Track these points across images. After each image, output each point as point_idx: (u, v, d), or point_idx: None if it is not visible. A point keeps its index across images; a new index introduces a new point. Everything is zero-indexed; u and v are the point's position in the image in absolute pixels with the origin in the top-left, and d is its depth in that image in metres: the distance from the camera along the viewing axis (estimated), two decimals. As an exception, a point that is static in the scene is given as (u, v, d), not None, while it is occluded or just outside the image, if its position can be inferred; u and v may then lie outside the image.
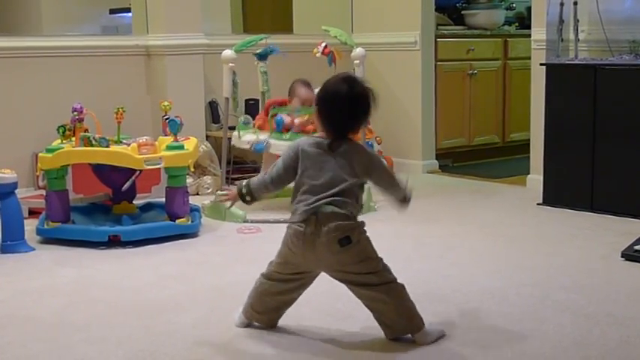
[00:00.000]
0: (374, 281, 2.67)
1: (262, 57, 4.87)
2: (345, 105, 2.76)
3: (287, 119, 4.62)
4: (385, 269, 2.70)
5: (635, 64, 4.52)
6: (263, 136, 4.61)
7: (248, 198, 2.86)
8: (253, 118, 5.03)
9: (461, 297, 3.16)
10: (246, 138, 4.63)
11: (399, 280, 2.71)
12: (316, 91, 4.79)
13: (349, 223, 2.66)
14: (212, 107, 5.86)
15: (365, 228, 2.71)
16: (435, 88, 6.20)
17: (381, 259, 2.71)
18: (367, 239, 2.71)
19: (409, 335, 2.70)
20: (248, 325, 2.84)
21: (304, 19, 6.52)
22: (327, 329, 2.83)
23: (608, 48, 4.78)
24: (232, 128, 4.93)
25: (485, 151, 6.72)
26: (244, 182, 2.85)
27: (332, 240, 2.63)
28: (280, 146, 4.57)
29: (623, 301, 3.10)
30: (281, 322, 2.87)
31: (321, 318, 2.94)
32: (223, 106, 4.78)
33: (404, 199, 2.77)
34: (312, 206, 2.66)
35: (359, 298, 2.73)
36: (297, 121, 4.62)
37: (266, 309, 2.82)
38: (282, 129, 4.61)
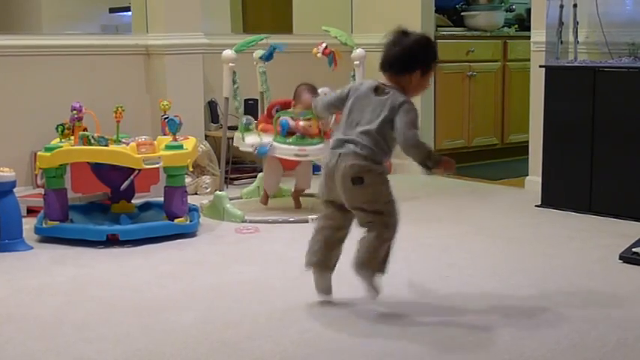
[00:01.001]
0: (372, 219, 2.91)
1: (267, 58, 4.85)
2: (390, 49, 3.03)
3: (292, 123, 4.60)
4: (388, 219, 2.92)
5: (634, 66, 4.52)
6: (266, 138, 4.59)
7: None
8: (254, 118, 5.03)
9: (458, 298, 3.16)
10: (249, 141, 4.61)
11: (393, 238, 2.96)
12: (322, 92, 4.81)
13: (364, 165, 2.88)
14: (211, 107, 5.86)
15: (383, 173, 2.92)
16: (434, 90, 6.20)
17: (391, 207, 2.93)
18: (382, 183, 2.92)
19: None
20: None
21: (304, 19, 6.52)
22: (325, 329, 2.83)
23: (608, 50, 4.78)
24: (232, 128, 4.93)
25: (484, 152, 6.73)
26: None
27: (346, 177, 2.89)
28: (284, 150, 4.57)
29: (621, 303, 3.10)
30: (280, 322, 2.88)
31: (319, 318, 2.93)
32: (223, 106, 4.78)
33: (423, 164, 2.90)
34: (337, 140, 2.95)
35: (358, 221, 2.98)
36: (301, 124, 4.61)
37: (319, 247, 3.04)
38: (286, 133, 4.59)
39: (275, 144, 4.56)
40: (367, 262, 2.95)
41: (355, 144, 2.90)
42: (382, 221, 2.92)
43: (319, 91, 4.79)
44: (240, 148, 4.75)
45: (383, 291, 3.00)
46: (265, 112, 4.84)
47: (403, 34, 3.05)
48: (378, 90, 2.97)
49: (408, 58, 2.99)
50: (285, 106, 4.75)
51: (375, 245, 2.93)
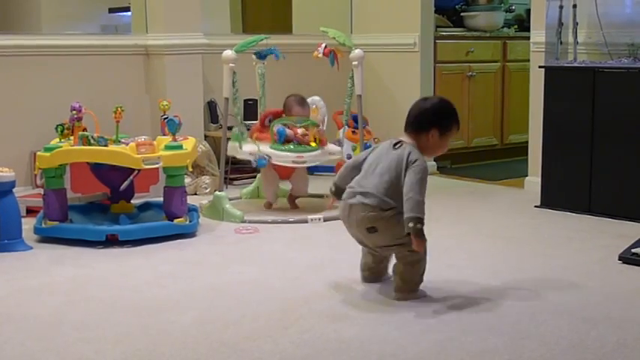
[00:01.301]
0: (398, 251, 3.15)
1: (262, 56, 4.87)
2: (412, 111, 3.22)
3: (288, 131, 4.61)
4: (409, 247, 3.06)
5: (634, 67, 4.52)
6: (264, 147, 4.59)
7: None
8: (251, 119, 5.03)
9: (458, 298, 3.16)
10: (247, 149, 4.61)
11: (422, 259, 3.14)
12: (312, 102, 4.82)
13: (374, 215, 3.08)
14: (211, 107, 5.86)
15: (394, 215, 3.06)
16: (433, 90, 6.20)
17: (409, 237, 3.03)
18: (396, 224, 3.05)
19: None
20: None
21: (304, 19, 6.52)
22: (325, 329, 2.83)
23: (607, 51, 4.79)
24: (231, 129, 4.93)
25: (484, 153, 6.73)
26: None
27: (361, 227, 3.12)
28: (282, 157, 4.56)
29: (621, 303, 3.10)
30: (280, 323, 2.88)
31: (319, 318, 2.93)
32: (222, 106, 4.78)
33: (407, 222, 3.01)
34: (349, 192, 3.16)
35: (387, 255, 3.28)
36: (299, 131, 4.62)
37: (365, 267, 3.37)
38: (284, 141, 4.59)
39: (272, 151, 4.55)
40: (405, 289, 3.16)
41: (364, 195, 3.10)
42: (408, 250, 3.09)
43: (309, 100, 4.81)
44: (238, 157, 4.74)
45: (425, 293, 3.19)
46: (259, 123, 4.83)
47: (425, 98, 3.33)
48: (395, 145, 3.15)
49: (425, 118, 3.17)
50: (277, 116, 4.74)
51: (406, 273, 3.15)
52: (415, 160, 3.07)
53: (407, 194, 3.02)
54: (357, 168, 3.22)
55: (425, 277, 3.21)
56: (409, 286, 3.15)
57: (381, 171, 3.11)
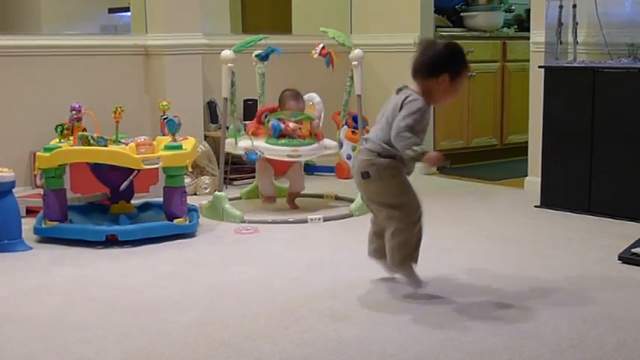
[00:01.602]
0: (388, 214, 3.12)
1: (264, 58, 4.87)
2: (418, 55, 3.16)
3: (283, 126, 4.62)
4: (403, 213, 3.09)
5: (634, 67, 4.52)
6: (258, 142, 4.61)
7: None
8: (251, 119, 5.03)
9: (458, 299, 3.16)
10: (242, 144, 4.63)
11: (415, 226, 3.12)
12: (309, 99, 4.83)
13: (369, 159, 3.10)
14: (210, 107, 5.86)
15: (389, 167, 3.08)
16: (432, 90, 6.19)
17: (405, 199, 3.10)
18: (390, 177, 3.09)
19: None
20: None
21: (303, 19, 6.52)
22: (325, 329, 2.83)
23: (607, 51, 4.78)
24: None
25: (484, 153, 6.73)
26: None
27: (357, 172, 3.16)
28: (277, 151, 4.58)
29: (621, 303, 3.10)
30: (279, 323, 2.88)
31: (318, 319, 2.93)
32: (222, 106, 4.78)
33: (406, 152, 3.00)
34: (360, 140, 3.26)
35: (379, 216, 3.21)
36: (291, 125, 4.64)
37: (369, 238, 3.33)
38: (278, 135, 4.62)
39: (268, 146, 4.57)
40: (396, 261, 3.13)
41: (366, 141, 3.16)
42: (397, 215, 3.09)
43: (305, 96, 4.82)
44: (233, 152, 4.76)
45: (425, 284, 3.19)
46: (255, 119, 4.85)
47: (432, 42, 3.25)
48: (399, 90, 3.15)
49: (434, 62, 3.10)
50: (273, 112, 4.77)
51: (394, 243, 3.11)
52: (410, 100, 3.05)
53: (392, 129, 3.02)
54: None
55: (424, 277, 3.20)
56: (397, 258, 3.12)
57: (383, 117, 3.15)
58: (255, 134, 4.70)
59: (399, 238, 3.10)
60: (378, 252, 3.28)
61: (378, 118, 3.21)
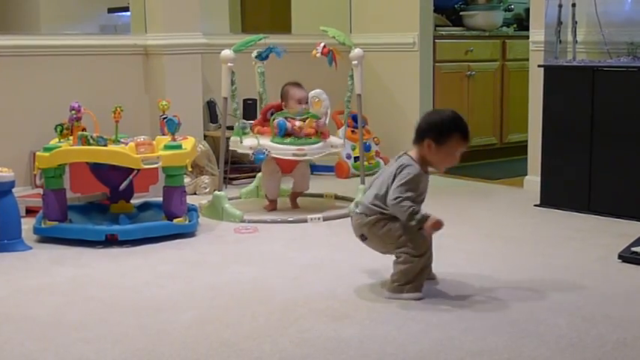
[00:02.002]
0: (398, 254, 3.17)
1: (263, 58, 4.87)
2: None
3: (289, 124, 4.61)
4: (411, 249, 3.14)
5: (633, 66, 4.52)
6: (264, 141, 4.60)
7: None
8: (251, 119, 5.03)
9: (457, 298, 3.16)
10: (247, 143, 4.62)
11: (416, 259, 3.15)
12: (315, 95, 4.84)
13: (359, 222, 3.21)
14: (210, 107, 5.86)
15: (379, 220, 3.15)
16: (433, 89, 6.21)
17: (407, 238, 3.13)
18: (383, 229, 3.15)
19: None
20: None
21: (303, 19, 6.52)
22: (325, 329, 2.83)
23: (606, 50, 4.78)
24: (230, 128, 4.93)
25: (483, 152, 6.73)
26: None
27: (357, 236, 3.27)
28: (282, 150, 4.57)
29: (620, 302, 3.10)
30: (279, 322, 2.88)
31: (318, 318, 2.93)
32: (222, 105, 4.78)
33: (407, 222, 3.10)
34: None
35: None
36: (297, 124, 4.63)
37: None
38: (284, 134, 4.60)
39: (273, 144, 4.56)
40: (392, 286, 3.17)
41: (358, 205, 3.31)
42: (406, 250, 3.15)
43: (312, 93, 4.79)
44: (238, 151, 4.75)
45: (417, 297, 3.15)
46: (260, 116, 4.84)
47: (433, 110, 3.46)
48: (398, 157, 3.23)
49: (418, 128, 3.23)
50: (279, 109, 4.75)
51: (395, 269, 3.18)
52: (403, 168, 3.13)
53: (389, 199, 3.09)
54: None
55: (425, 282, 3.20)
56: (395, 284, 3.15)
57: (377, 181, 3.23)
58: (260, 132, 4.69)
59: (406, 268, 3.15)
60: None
61: (372, 180, 3.30)
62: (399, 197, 3.07)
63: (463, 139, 3.29)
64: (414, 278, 3.14)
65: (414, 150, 3.22)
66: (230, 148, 4.75)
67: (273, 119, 4.62)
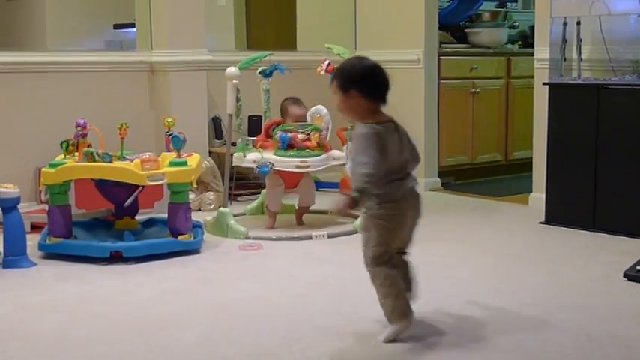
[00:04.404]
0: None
1: (267, 74, 4.89)
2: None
3: (290, 136, 4.64)
4: (373, 259, 2.85)
5: (638, 84, 4.52)
6: (267, 154, 4.62)
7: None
8: (255, 135, 5.04)
9: (462, 316, 3.15)
10: (251, 157, 4.64)
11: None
12: (316, 111, 4.83)
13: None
14: (215, 123, 5.86)
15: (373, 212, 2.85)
16: (437, 106, 6.21)
17: (377, 249, 2.85)
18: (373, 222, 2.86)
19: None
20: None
21: (308, 36, 6.54)
22: (329, 347, 2.82)
23: (611, 68, 4.79)
24: (235, 145, 4.93)
25: (488, 169, 6.72)
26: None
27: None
28: (285, 163, 4.59)
29: (626, 321, 3.09)
30: (283, 340, 2.87)
31: (323, 336, 2.93)
32: (227, 122, 4.79)
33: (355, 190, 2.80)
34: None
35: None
36: (299, 137, 4.64)
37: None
38: (286, 146, 4.63)
39: (276, 157, 4.59)
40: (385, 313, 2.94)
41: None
42: (369, 267, 2.90)
43: (313, 109, 4.82)
44: (242, 165, 4.76)
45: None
46: (263, 132, 4.86)
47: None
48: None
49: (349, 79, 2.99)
50: (280, 125, 4.78)
51: (376, 290, 2.93)
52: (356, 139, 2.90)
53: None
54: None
55: (427, 295, 3.19)
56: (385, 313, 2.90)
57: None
58: (263, 147, 4.71)
59: (382, 290, 2.90)
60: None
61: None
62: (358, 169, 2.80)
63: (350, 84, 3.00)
64: (394, 305, 2.88)
65: (379, 110, 2.95)
66: (234, 164, 4.76)
67: (275, 133, 4.66)
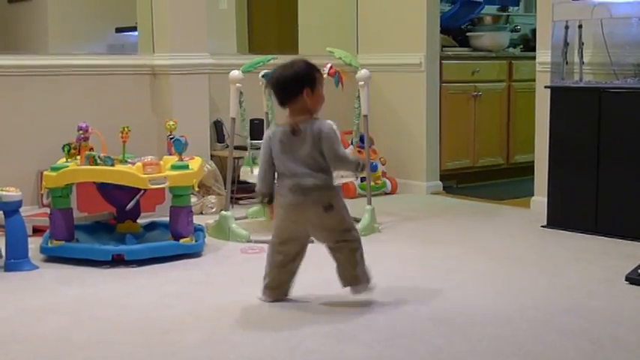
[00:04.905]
0: (341, 238, 3.32)
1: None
2: (274, 85, 3.37)
3: None
4: (352, 230, 3.33)
5: (640, 87, 4.53)
6: None
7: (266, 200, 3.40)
8: (257, 138, 5.03)
9: (464, 319, 3.15)
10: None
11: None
12: None
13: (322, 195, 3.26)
14: (217, 127, 5.87)
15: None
16: (439, 110, 6.21)
17: (349, 222, 3.32)
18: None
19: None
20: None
21: (310, 39, 6.54)
22: (331, 350, 2.82)
23: (613, 71, 4.79)
24: (238, 148, 4.94)
25: (490, 172, 6.73)
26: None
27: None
28: None
29: (628, 325, 3.09)
30: (286, 344, 2.87)
31: (325, 339, 2.93)
32: (229, 125, 4.79)
33: (357, 169, 3.34)
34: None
35: (330, 250, 3.37)
36: None
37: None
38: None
39: None
40: (348, 278, 3.40)
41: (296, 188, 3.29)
42: (346, 238, 3.35)
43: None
44: (249, 180, 4.76)
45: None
46: None
47: (282, 67, 3.34)
48: (294, 131, 3.25)
49: (286, 86, 3.29)
50: None
51: (348, 259, 3.36)
52: (321, 129, 3.26)
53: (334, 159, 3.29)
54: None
55: (429, 298, 3.19)
56: (352, 275, 3.39)
57: (290, 163, 3.31)
58: None
59: (355, 255, 3.35)
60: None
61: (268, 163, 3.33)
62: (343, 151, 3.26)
63: (322, 76, 3.39)
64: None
65: (290, 111, 3.28)
66: (241, 179, 4.77)
67: None
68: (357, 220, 4.78)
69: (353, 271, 3.32)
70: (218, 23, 6.40)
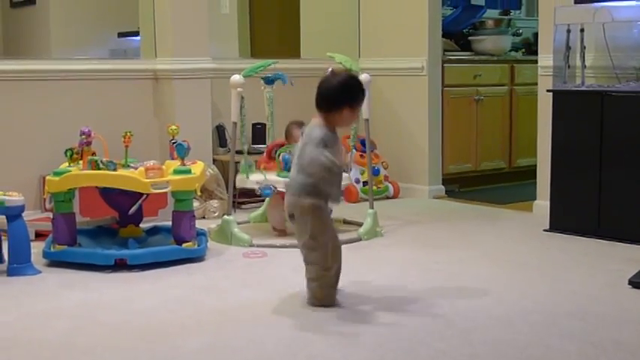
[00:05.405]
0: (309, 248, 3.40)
1: (269, 82, 4.89)
2: (320, 88, 3.44)
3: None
4: (316, 248, 3.38)
5: (642, 90, 4.53)
6: (270, 176, 4.62)
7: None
8: (259, 143, 5.05)
9: (466, 323, 3.15)
10: (254, 178, 4.66)
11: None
12: None
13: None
14: (219, 131, 5.87)
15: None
16: (441, 114, 6.21)
17: (322, 241, 3.39)
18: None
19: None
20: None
21: (312, 44, 6.55)
22: (334, 354, 2.82)
23: (615, 75, 4.79)
24: (240, 152, 4.93)
25: (492, 176, 6.72)
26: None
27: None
28: None
29: (631, 328, 3.09)
30: (288, 348, 2.87)
31: (327, 343, 2.93)
32: (231, 130, 4.79)
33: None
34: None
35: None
36: None
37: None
38: (289, 168, 4.62)
39: (279, 179, 4.58)
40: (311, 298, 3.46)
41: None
42: (310, 253, 3.48)
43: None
44: (246, 186, 4.76)
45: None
46: (265, 154, 4.88)
47: (332, 74, 3.47)
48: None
49: (335, 97, 3.34)
50: (282, 147, 4.79)
51: (308, 277, 3.46)
52: (311, 133, 3.29)
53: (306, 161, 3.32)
54: None
55: (431, 303, 3.19)
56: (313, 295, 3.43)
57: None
58: (266, 168, 4.73)
59: (316, 276, 3.41)
60: None
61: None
62: (317, 153, 3.22)
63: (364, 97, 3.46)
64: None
65: (317, 117, 3.33)
66: (237, 185, 4.77)
67: (278, 155, 4.67)
68: (359, 224, 4.78)
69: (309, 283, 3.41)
70: (220, 28, 6.41)
